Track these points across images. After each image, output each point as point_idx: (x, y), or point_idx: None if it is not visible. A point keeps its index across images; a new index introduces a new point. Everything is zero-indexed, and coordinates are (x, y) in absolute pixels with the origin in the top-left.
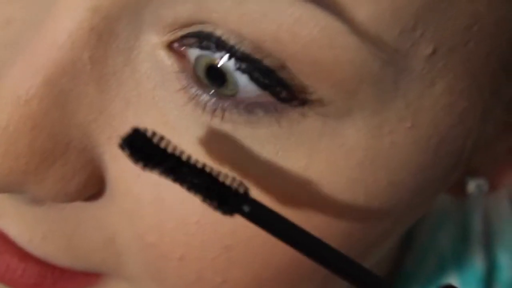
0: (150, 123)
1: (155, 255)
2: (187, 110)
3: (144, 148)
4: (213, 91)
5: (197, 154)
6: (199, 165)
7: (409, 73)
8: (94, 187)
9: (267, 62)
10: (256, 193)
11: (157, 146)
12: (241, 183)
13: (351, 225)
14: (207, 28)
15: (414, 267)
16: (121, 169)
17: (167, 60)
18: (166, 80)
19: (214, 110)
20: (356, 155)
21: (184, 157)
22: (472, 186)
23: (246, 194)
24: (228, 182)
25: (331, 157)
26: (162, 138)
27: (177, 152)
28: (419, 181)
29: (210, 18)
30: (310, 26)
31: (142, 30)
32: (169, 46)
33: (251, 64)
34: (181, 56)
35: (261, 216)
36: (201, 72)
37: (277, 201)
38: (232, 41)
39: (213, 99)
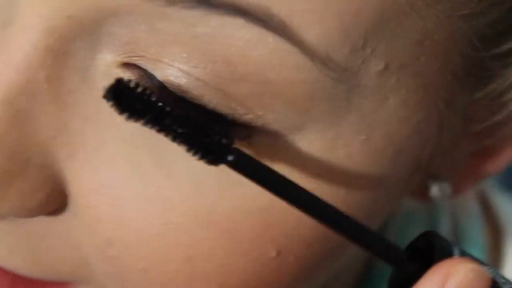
0: (110, 139)
1: (119, 267)
2: None
3: (127, 98)
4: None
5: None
6: (183, 115)
7: (361, 89)
8: (55, 202)
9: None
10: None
11: (140, 97)
12: (225, 135)
13: (308, 235)
14: (150, 64)
15: (384, 267)
16: (82, 184)
17: (123, 75)
18: None
19: None
20: (311, 167)
21: (167, 108)
22: (435, 190)
23: (230, 143)
24: (212, 132)
25: (286, 170)
26: (145, 89)
27: (160, 103)
28: (377, 189)
29: (161, 40)
30: (260, 48)
31: (97, 49)
32: (124, 65)
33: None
34: (134, 68)
35: (246, 166)
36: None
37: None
38: (182, 69)
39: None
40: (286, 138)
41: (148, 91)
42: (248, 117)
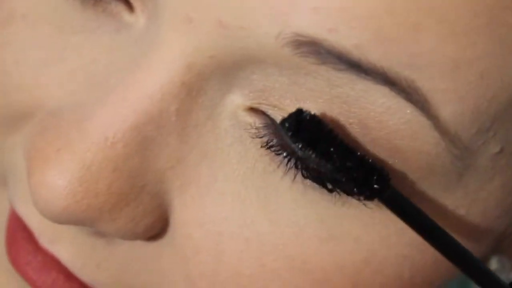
0: (222, 177)
1: None
2: (261, 165)
3: (303, 130)
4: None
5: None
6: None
7: (475, 168)
8: (157, 229)
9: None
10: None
11: (316, 129)
12: (382, 168)
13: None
14: (279, 114)
15: None
16: (187, 216)
17: (248, 119)
18: (245, 136)
19: (288, 170)
20: (409, 234)
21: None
22: (494, 262)
23: (388, 180)
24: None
25: (384, 232)
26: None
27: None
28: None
29: (301, 95)
30: (397, 117)
31: (229, 90)
32: (251, 108)
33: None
34: (261, 114)
35: (400, 205)
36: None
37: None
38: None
39: (289, 157)
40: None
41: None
42: None
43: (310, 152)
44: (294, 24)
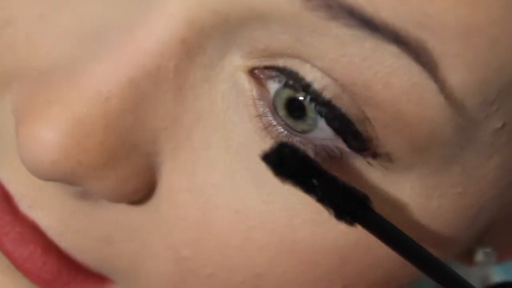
0: (215, 143)
1: (186, 269)
2: (256, 137)
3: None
4: (287, 122)
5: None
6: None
7: (475, 142)
8: (144, 192)
9: (348, 113)
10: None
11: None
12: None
13: (373, 278)
14: (293, 66)
15: None
16: (176, 181)
17: (246, 84)
18: (241, 104)
19: None
20: (405, 211)
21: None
22: (480, 254)
23: (368, 206)
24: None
25: (382, 209)
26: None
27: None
28: (451, 244)
29: (305, 53)
30: (404, 79)
31: (229, 50)
32: (251, 71)
33: (331, 111)
34: (260, 83)
35: (381, 228)
36: (280, 103)
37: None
38: (316, 86)
39: (285, 132)
40: (392, 177)
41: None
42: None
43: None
44: None
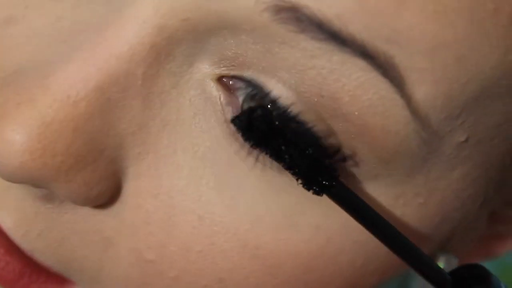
0: (181, 149)
1: (150, 272)
2: (223, 143)
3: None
4: None
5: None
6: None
7: (439, 155)
8: (109, 196)
9: (314, 128)
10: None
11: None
12: (331, 164)
13: (339, 284)
14: (259, 79)
15: None
16: (141, 185)
17: (214, 91)
18: (209, 110)
19: (252, 150)
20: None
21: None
22: (441, 260)
23: (335, 176)
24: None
25: (344, 218)
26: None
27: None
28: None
29: (273, 64)
30: (371, 92)
31: (198, 58)
32: (220, 79)
33: (298, 126)
34: (229, 90)
35: (347, 200)
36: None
37: (281, 250)
38: (283, 102)
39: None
40: (359, 185)
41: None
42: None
43: (262, 151)
44: None
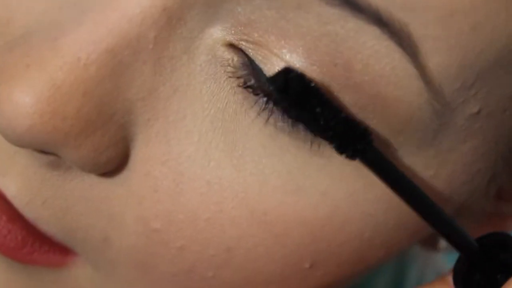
0: (191, 115)
1: (156, 241)
2: (234, 107)
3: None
4: (269, 91)
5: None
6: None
7: (450, 126)
8: (117, 163)
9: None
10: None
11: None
12: (366, 129)
13: (344, 257)
14: (260, 55)
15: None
16: (150, 152)
17: (226, 54)
18: (220, 75)
19: (262, 110)
20: (376, 191)
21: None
22: (444, 242)
23: (369, 141)
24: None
25: (352, 187)
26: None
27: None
28: (419, 226)
29: (287, 31)
30: (384, 62)
31: (209, 23)
32: (231, 45)
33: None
34: (240, 52)
35: (379, 165)
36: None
37: (290, 219)
38: (298, 64)
39: (265, 99)
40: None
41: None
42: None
43: (297, 113)
44: None
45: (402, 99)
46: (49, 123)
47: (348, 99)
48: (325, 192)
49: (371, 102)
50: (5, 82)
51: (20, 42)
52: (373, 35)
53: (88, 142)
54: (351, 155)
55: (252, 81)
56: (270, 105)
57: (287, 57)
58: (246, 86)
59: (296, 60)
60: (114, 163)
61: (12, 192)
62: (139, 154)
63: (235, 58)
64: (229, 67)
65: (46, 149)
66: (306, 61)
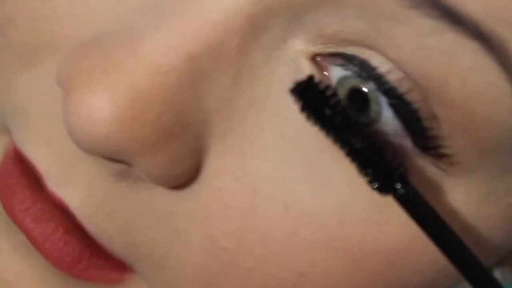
0: (269, 129)
1: (224, 260)
2: (312, 128)
3: (313, 98)
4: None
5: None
6: (365, 132)
7: None
8: (188, 175)
9: (420, 109)
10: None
11: (327, 101)
12: (401, 163)
13: (420, 282)
14: (363, 55)
15: None
16: (223, 166)
17: (307, 70)
18: None
19: None
20: (458, 216)
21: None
22: (497, 274)
23: (404, 175)
24: (388, 157)
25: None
26: (334, 94)
27: (344, 112)
28: (487, 254)
29: (379, 42)
30: (481, 78)
31: (292, 33)
32: (313, 58)
33: (404, 106)
34: (322, 69)
35: (414, 203)
36: (341, 92)
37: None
38: (391, 77)
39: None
40: (450, 180)
41: (336, 98)
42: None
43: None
44: None
45: (495, 118)
46: (127, 130)
47: (440, 114)
48: (407, 221)
49: (464, 120)
50: (83, 86)
51: (93, 46)
52: (471, 49)
53: (165, 151)
54: (383, 191)
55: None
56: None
57: (378, 70)
58: None
59: (390, 70)
60: (187, 176)
61: (75, 203)
62: (212, 167)
63: (316, 76)
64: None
65: (119, 157)
66: (398, 74)
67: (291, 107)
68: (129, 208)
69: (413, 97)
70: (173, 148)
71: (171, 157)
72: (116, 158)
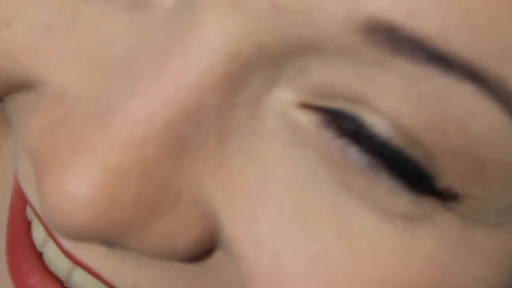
0: (274, 182)
1: None
2: (322, 172)
3: None
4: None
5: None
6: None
7: None
8: (204, 246)
9: (420, 162)
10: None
11: None
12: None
13: None
14: (352, 108)
15: None
16: (239, 233)
17: (302, 117)
18: (300, 137)
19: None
20: (484, 254)
21: None
22: None
23: None
24: None
25: (460, 252)
26: None
27: None
28: None
29: (365, 91)
30: (482, 122)
31: (277, 83)
32: (303, 104)
33: (399, 158)
34: (317, 110)
35: None
36: None
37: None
38: (384, 134)
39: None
40: (470, 222)
41: None
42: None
43: None
44: (367, 5)
45: (502, 161)
46: (107, 214)
47: (442, 164)
48: (433, 255)
49: (469, 167)
50: (51, 172)
51: (60, 119)
52: (466, 93)
53: (155, 229)
54: None
55: (340, 139)
56: None
57: (368, 121)
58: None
59: (378, 135)
60: (199, 247)
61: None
62: (228, 235)
63: (314, 118)
64: (311, 129)
65: (108, 242)
66: (390, 128)
67: (293, 154)
68: (148, 281)
69: (408, 150)
70: (165, 222)
71: (165, 232)
72: (108, 243)
